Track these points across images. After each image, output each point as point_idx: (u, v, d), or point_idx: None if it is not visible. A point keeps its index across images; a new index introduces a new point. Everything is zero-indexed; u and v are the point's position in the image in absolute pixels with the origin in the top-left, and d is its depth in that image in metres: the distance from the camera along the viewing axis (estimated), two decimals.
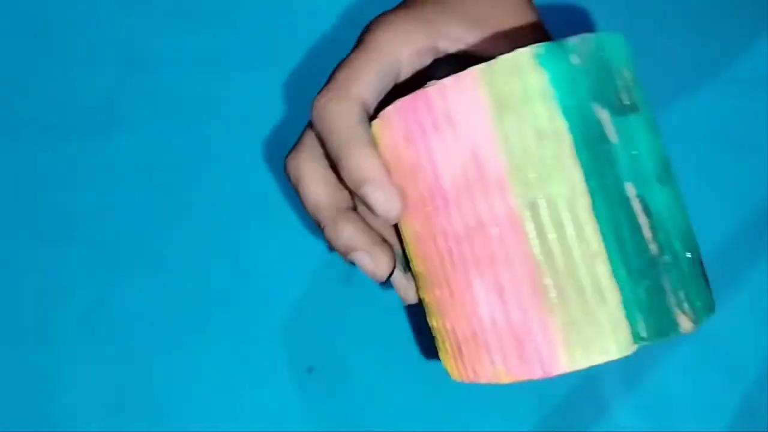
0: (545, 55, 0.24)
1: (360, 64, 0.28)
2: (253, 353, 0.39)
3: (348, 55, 0.29)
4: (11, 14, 0.43)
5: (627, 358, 0.38)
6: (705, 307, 0.24)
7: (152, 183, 0.41)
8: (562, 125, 0.23)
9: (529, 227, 0.23)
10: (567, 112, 0.23)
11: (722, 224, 0.39)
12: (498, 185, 0.24)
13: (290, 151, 0.31)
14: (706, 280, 0.25)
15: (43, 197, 0.41)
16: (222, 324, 0.39)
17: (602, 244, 0.23)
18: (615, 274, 0.23)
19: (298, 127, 0.41)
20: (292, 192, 0.41)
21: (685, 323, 0.23)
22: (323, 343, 0.39)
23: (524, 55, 0.24)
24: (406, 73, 0.29)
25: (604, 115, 0.24)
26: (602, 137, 0.24)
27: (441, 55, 0.30)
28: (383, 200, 0.27)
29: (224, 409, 0.38)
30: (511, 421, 0.38)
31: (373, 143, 0.27)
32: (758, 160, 0.40)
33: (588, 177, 0.23)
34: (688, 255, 0.24)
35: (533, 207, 0.23)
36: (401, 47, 0.29)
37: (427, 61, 0.29)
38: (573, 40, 0.24)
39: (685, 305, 0.24)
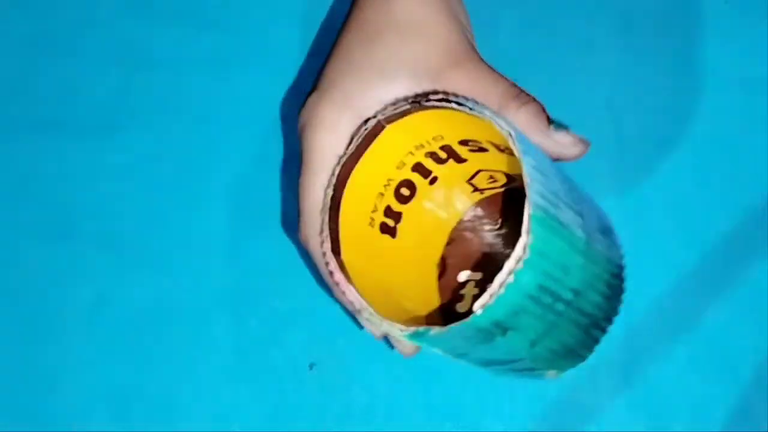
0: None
1: (308, 190, 0.32)
2: (254, 351, 0.39)
3: (300, 177, 0.32)
4: (17, 15, 0.43)
5: (625, 357, 0.38)
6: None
7: (155, 182, 0.41)
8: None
9: None
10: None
11: (722, 224, 0.39)
12: None
13: (300, 223, 0.33)
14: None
15: (46, 196, 0.41)
16: (222, 322, 0.39)
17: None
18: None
19: None
20: (293, 192, 0.41)
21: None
22: (324, 339, 0.39)
23: None
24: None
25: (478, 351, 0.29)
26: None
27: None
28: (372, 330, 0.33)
29: (224, 409, 0.38)
30: (510, 421, 0.38)
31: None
32: (758, 160, 0.40)
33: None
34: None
35: None
36: (334, 146, 0.31)
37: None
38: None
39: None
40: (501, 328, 0.27)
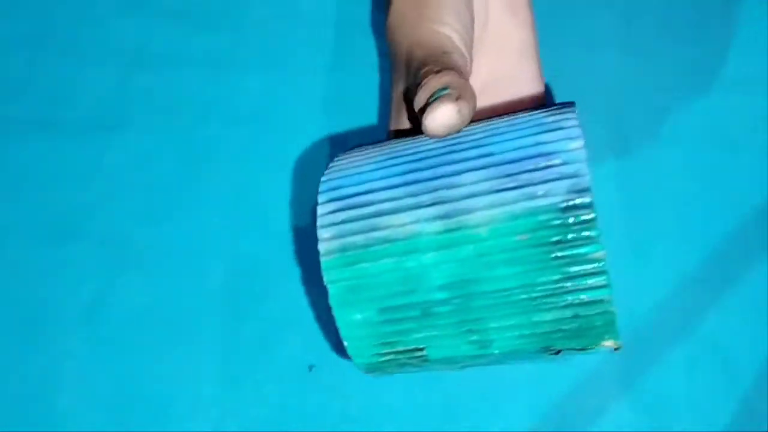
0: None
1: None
2: (253, 352, 0.39)
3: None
4: (18, 14, 0.43)
5: (626, 357, 0.38)
6: (611, 331, 0.27)
7: (155, 182, 0.41)
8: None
9: None
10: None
11: (722, 224, 0.39)
12: None
13: None
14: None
15: (45, 196, 0.41)
16: (222, 323, 0.39)
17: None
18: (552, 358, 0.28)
19: (301, 128, 0.41)
20: (293, 192, 0.41)
21: (611, 344, 0.27)
22: (323, 341, 0.39)
23: None
24: None
25: (431, 366, 0.29)
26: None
27: None
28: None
29: (223, 410, 0.38)
30: (511, 421, 0.38)
31: None
32: (758, 160, 0.40)
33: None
34: (561, 337, 0.27)
35: None
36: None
37: None
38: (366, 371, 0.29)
39: (596, 342, 0.27)
40: (398, 353, 0.28)
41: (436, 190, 0.26)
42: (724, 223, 0.39)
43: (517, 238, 0.25)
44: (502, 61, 0.34)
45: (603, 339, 0.26)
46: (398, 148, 0.29)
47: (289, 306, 0.39)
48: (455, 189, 0.26)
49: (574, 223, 0.25)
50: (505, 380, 0.38)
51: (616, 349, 0.27)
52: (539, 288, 0.26)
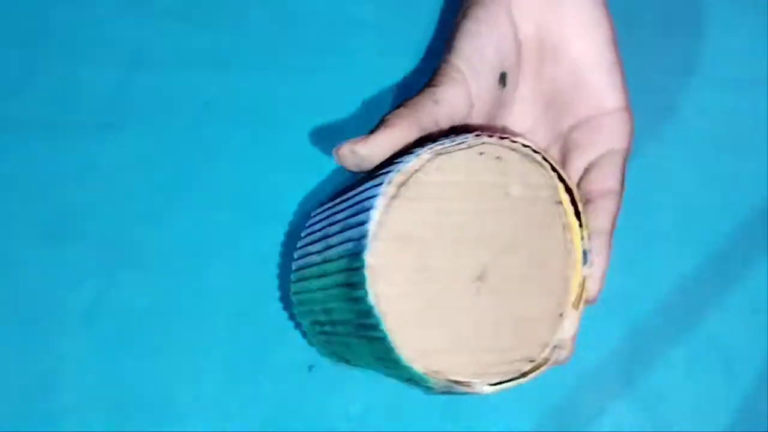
0: None
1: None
2: (253, 353, 0.39)
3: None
4: (17, 14, 0.43)
5: (626, 357, 0.38)
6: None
7: (155, 182, 0.41)
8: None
9: None
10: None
11: (722, 224, 0.39)
12: None
13: None
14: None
15: (44, 195, 0.41)
16: (222, 323, 0.39)
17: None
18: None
19: (301, 127, 0.41)
20: (293, 192, 0.41)
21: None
22: None
23: None
24: None
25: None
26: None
27: None
28: None
29: (223, 410, 0.38)
30: (511, 421, 0.38)
31: None
32: (758, 160, 0.40)
33: None
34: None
35: None
36: None
37: None
38: None
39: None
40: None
41: (326, 228, 0.31)
42: (724, 223, 0.39)
43: (337, 276, 0.29)
44: (575, 75, 0.34)
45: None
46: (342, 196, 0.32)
47: (289, 306, 0.39)
48: (331, 236, 0.30)
49: (355, 267, 0.27)
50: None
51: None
52: (353, 324, 0.29)
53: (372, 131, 0.29)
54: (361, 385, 0.38)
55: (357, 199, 0.29)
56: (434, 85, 0.31)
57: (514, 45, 0.33)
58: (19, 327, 0.39)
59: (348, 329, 0.29)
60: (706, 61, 0.41)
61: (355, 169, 0.30)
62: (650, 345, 0.38)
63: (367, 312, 0.27)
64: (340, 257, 0.28)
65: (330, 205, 0.32)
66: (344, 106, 0.41)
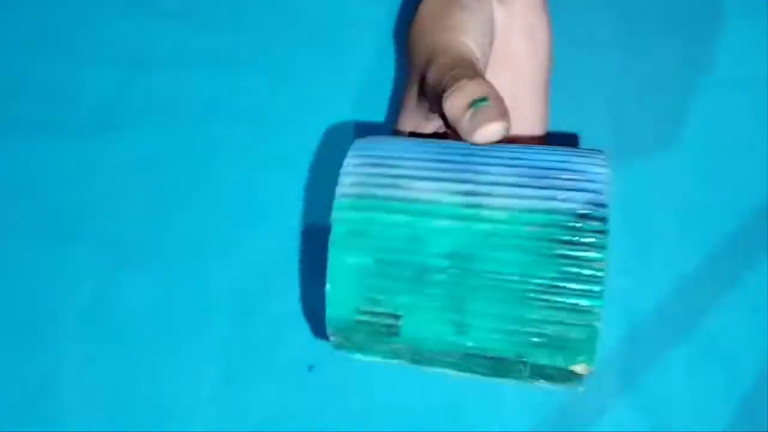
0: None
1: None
2: (253, 353, 0.39)
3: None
4: (18, 14, 0.43)
5: (626, 357, 0.38)
6: (588, 351, 0.27)
7: (155, 182, 0.41)
8: (388, 361, 0.30)
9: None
10: (382, 356, 0.29)
11: (722, 224, 0.39)
12: None
13: None
14: (562, 332, 0.27)
15: (45, 196, 0.41)
16: (222, 323, 0.39)
17: (490, 378, 0.28)
18: (518, 379, 0.28)
19: (301, 127, 0.41)
20: (293, 192, 0.41)
21: (581, 370, 0.27)
22: (323, 341, 0.39)
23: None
24: None
25: (395, 346, 0.28)
26: (413, 356, 0.29)
27: None
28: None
29: (223, 410, 0.38)
30: (511, 421, 0.38)
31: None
32: (758, 160, 0.40)
33: (440, 366, 0.29)
34: (538, 339, 0.27)
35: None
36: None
37: None
38: (332, 339, 0.29)
39: (569, 362, 0.27)
40: (376, 314, 0.28)
41: (463, 171, 0.28)
42: (724, 223, 0.39)
43: (529, 228, 0.26)
44: (517, 87, 0.34)
45: (578, 357, 0.27)
46: (428, 140, 0.30)
47: (289, 306, 0.39)
48: (482, 175, 0.28)
49: (586, 230, 0.26)
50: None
51: (583, 377, 0.27)
52: (535, 280, 0.26)
53: (491, 108, 0.28)
54: (361, 385, 0.38)
55: (538, 156, 0.28)
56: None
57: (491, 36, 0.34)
58: (20, 327, 0.39)
59: (499, 285, 0.27)
60: (706, 61, 0.41)
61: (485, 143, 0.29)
62: (650, 345, 0.38)
63: (586, 278, 0.26)
64: (548, 211, 0.27)
65: (438, 147, 0.29)
66: (344, 106, 0.41)
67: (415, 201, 0.28)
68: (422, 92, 0.32)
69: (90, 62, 0.42)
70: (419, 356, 0.29)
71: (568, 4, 0.42)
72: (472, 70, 0.30)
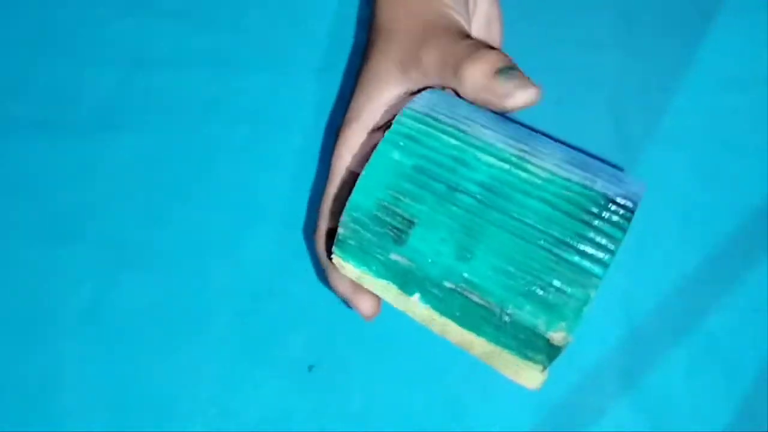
0: (339, 259, 0.31)
1: (325, 197, 0.34)
2: (253, 352, 0.39)
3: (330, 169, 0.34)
4: (18, 14, 0.43)
5: (626, 357, 0.38)
6: (569, 314, 0.28)
7: (155, 182, 0.41)
8: (385, 284, 0.30)
9: (436, 330, 0.31)
10: (380, 277, 0.30)
11: (722, 224, 0.39)
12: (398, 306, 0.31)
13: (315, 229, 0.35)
14: (563, 287, 0.28)
15: (45, 195, 0.41)
16: (222, 323, 0.39)
17: (466, 331, 0.29)
18: (490, 340, 0.29)
19: (301, 127, 0.41)
20: (294, 192, 0.41)
21: (562, 339, 0.28)
22: (323, 341, 0.39)
23: (335, 257, 0.31)
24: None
25: (394, 256, 0.29)
26: (406, 273, 0.29)
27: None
28: (359, 309, 0.33)
29: (224, 409, 0.38)
30: (511, 421, 0.38)
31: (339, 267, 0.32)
32: (758, 160, 0.40)
33: (424, 301, 0.29)
34: (531, 287, 0.28)
35: (424, 322, 0.31)
36: (349, 161, 0.34)
37: (372, 141, 0.33)
38: (340, 231, 0.30)
39: (550, 326, 0.27)
40: (394, 214, 0.29)
41: (521, 137, 0.30)
42: (724, 223, 0.39)
43: (564, 191, 0.28)
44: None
45: (560, 321, 0.27)
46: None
47: (289, 306, 0.39)
48: (538, 145, 0.30)
49: (614, 211, 0.28)
50: (505, 380, 0.38)
51: (554, 351, 0.28)
52: (552, 232, 0.28)
53: (522, 76, 0.30)
54: (361, 385, 0.38)
55: (584, 155, 0.31)
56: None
57: None
58: (20, 327, 0.39)
59: (517, 228, 0.28)
60: (706, 61, 0.41)
61: (518, 110, 0.31)
62: (650, 345, 0.38)
63: (600, 245, 0.28)
64: (585, 187, 0.29)
65: (494, 113, 0.31)
66: (344, 106, 0.41)
67: (472, 136, 0.30)
68: (407, 65, 0.32)
69: (90, 62, 0.42)
70: (408, 280, 0.30)
71: (568, 4, 0.42)
72: (484, 42, 0.31)
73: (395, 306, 0.31)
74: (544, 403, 0.38)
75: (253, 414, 0.38)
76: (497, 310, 0.28)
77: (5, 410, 0.38)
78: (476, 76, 0.30)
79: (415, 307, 0.30)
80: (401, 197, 0.29)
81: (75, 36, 0.43)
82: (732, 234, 0.39)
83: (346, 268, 0.31)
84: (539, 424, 0.38)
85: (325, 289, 0.39)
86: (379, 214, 0.29)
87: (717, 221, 0.39)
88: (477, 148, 0.29)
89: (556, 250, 0.28)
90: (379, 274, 0.30)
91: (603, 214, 0.28)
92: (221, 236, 0.40)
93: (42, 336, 0.39)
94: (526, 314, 0.28)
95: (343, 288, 0.34)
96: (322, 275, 0.39)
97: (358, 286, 0.33)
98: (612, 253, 0.27)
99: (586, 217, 0.28)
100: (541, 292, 0.27)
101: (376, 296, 0.33)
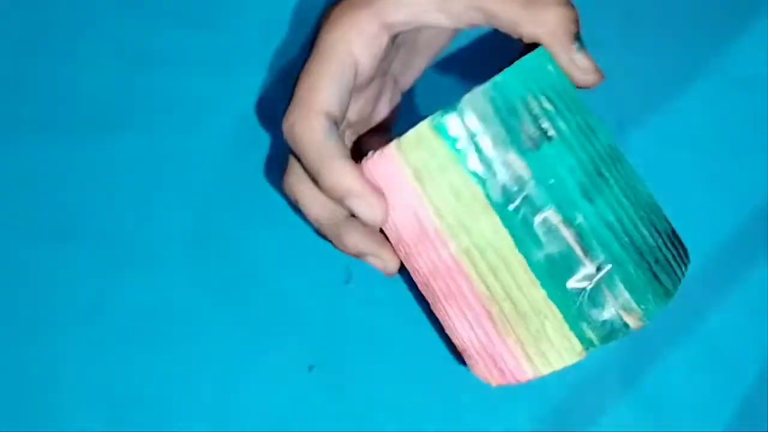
0: (442, 126, 0.26)
1: (316, 75, 0.29)
2: (253, 352, 0.39)
3: (305, 65, 0.30)
4: (17, 14, 0.43)
5: (626, 357, 0.38)
6: (656, 300, 0.27)
7: (155, 182, 0.41)
8: (472, 183, 0.26)
9: (469, 270, 0.27)
10: (474, 171, 0.26)
11: (722, 224, 0.39)
12: (438, 238, 0.27)
13: (284, 172, 0.32)
14: (659, 271, 0.28)
15: (45, 195, 0.41)
16: (222, 323, 0.39)
17: (532, 275, 0.26)
18: (550, 296, 0.26)
19: None
20: None
21: (634, 322, 0.26)
22: (323, 341, 0.39)
23: (424, 128, 0.26)
24: (365, 62, 0.29)
25: (512, 157, 0.26)
26: (514, 179, 0.26)
27: (397, 30, 0.30)
28: (367, 210, 0.28)
29: (224, 409, 0.38)
30: (510, 421, 0.38)
31: (347, 153, 0.28)
32: (758, 160, 0.40)
33: (505, 221, 0.26)
34: (635, 256, 0.27)
35: (468, 252, 0.27)
36: (352, 41, 0.29)
37: (383, 40, 0.29)
38: (464, 101, 0.26)
39: (633, 305, 0.26)
40: (535, 118, 0.26)
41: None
42: (724, 223, 0.39)
43: (652, 200, 0.30)
44: None
45: (646, 303, 0.26)
46: None
47: (289, 306, 0.39)
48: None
49: (682, 254, 0.30)
50: None
51: (619, 331, 0.27)
52: (657, 223, 0.28)
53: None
54: (361, 385, 0.38)
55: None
56: None
57: None
58: (20, 327, 0.39)
59: (639, 187, 0.29)
60: (706, 61, 0.41)
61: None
62: (650, 345, 0.38)
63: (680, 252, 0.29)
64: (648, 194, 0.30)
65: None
66: None
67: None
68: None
69: (90, 62, 0.42)
70: (509, 189, 0.26)
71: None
72: None
73: (441, 214, 0.27)
74: (543, 403, 0.38)
75: (253, 414, 0.38)
76: (593, 264, 0.26)
77: (5, 410, 0.38)
78: (556, 28, 0.29)
79: (487, 223, 0.26)
80: (548, 106, 0.27)
81: (75, 36, 0.43)
82: (733, 234, 0.39)
83: (435, 145, 0.26)
84: (539, 424, 0.38)
85: (325, 289, 0.39)
86: (519, 109, 0.26)
87: (717, 221, 0.39)
88: (597, 117, 0.29)
89: (668, 234, 0.28)
90: (497, 167, 0.26)
91: (674, 243, 0.29)
92: (221, 236, 0.40)
93: (42, 336, 0.39)
94: (617, 282, 0.26)
95: (354, 188, 0.28)
96: (323, 275, 0.39)
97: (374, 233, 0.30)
98: (686, 267, 0.29)
99: (667, 236, 0.29)
100: (641, 267, 0.26)
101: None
